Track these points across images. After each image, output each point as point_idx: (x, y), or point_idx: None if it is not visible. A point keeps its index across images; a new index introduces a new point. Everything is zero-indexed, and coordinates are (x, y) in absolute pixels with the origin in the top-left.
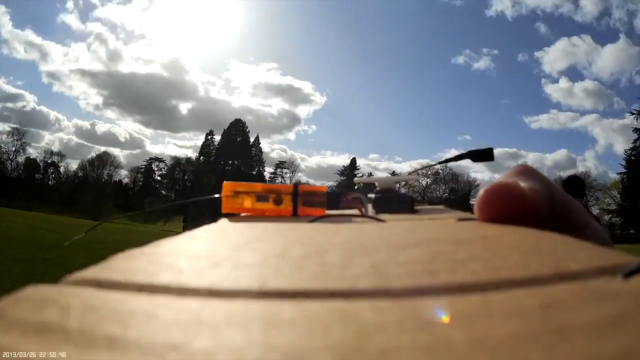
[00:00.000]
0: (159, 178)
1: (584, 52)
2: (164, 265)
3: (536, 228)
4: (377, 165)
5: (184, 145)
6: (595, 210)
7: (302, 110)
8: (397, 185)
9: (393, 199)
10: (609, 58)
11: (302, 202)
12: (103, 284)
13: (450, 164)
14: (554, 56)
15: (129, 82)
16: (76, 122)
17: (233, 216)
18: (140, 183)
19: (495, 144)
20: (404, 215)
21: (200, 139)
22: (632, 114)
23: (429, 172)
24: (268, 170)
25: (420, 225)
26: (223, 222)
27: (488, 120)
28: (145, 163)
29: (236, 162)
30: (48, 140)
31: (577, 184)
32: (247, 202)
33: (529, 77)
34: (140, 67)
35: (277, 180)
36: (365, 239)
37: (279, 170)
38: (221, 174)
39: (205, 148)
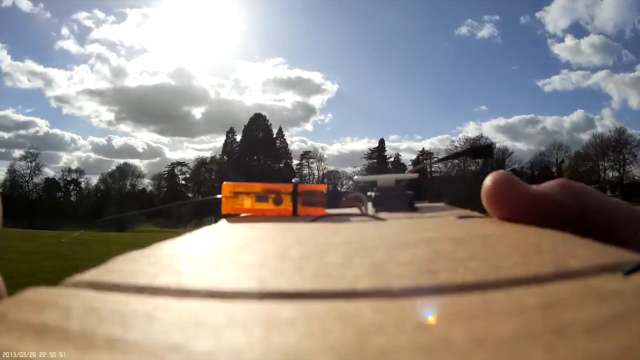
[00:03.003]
0: (183, 182)
1: (584, 5)
2: (164, 267)
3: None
4: (398, 146)
5: (202, 149)
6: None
7: (316, 100)
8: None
9: (393, 198)
10: (609, 9)
11: (302, 202)
12: (103, 286)
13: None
14: (555, 14)
15: (137, 95)
16: (92, 139)
17: (233, 217)
18: (165, 189)
19: (511, 111)
20: (404, 213)
21: (217, 141)
22: None
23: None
24: (294, 162)
25: (420, 223)
26: (223, 223)
27: (501, 88)
28: (167, 168)
29: (261, 157)
30: (66, 160)
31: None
32: (247, 203)
33: (534, 39)
34: (146, 80)
35: (305, 171)
36: (365, 239)
37: (304, 160)
38: (247, 170)
39: (227, 147)
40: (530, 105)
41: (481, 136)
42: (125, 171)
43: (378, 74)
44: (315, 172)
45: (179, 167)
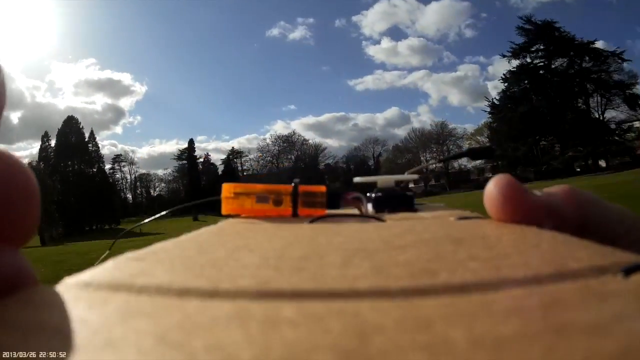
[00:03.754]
0: None
1: (406, 11)
2: (163, 267)
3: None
4: (206, 146)
5: (21, 156)
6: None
7: (125, 102)
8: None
9: (393, 198)
10: (434, 15)
11: (302, 203)
12: (102, 286)
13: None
14: (373, 18)
15: None
16: None
17: (233, 217)
18: None
19: (322, 110)
20: (403, 214)
21: (34, 147)
22: (504, 56)
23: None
24: (106, 167)
25: (420, 224)
26: (223, 223)
27: (311, 88)
28: None
29: (76, 163)
30: None
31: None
32: (247, 203)
33: (348, 41)
34: None
35: (117, 175)
36: (365, 239)
37: (116, 165)
38: (64, 176)
39: (43, 152)
40: (341, 104)
41: (293, 132)
42: None
43: (186, 74)
44: (128, 176)
45: None
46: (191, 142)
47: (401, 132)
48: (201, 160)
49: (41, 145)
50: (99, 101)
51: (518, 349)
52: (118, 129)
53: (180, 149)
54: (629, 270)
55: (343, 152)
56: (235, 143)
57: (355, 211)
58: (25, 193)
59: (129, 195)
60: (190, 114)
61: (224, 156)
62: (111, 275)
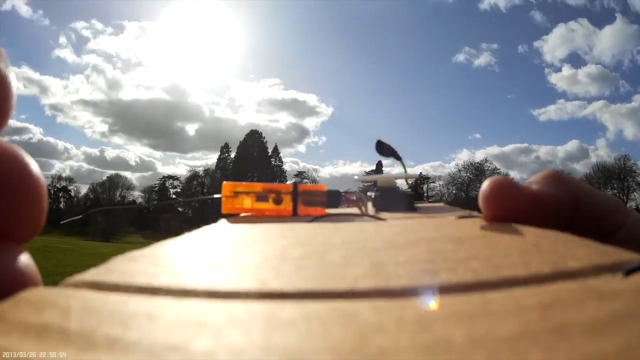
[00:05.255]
0: (174, 196)
1: (583, 36)
2: (163, 267)
3: (538, 227)
4: (390, 171)
5: (194, 165)
6: None
7: (310, 123)
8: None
9: (393, 198)
10: (608, 40)
11: (302, 202)
12: (103, 286)
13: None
14: (553, 44)
15: (132, 108)
16: (85, 149)
17: (233, 217)
18: (155, 202)
19: (505, 140)
20: (404, 213)
21: (209, 158)
22: None
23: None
24: (287, 182)
25: (420, 224)
26: (223, 223)
27: (496, 116)
28: (158, 181)
29: (255, 174)
30: (59, 168)
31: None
32: (247, 202)
33: (531, 68)
34: (141, 93)
35: None
36: (365, 239)
37: (298, 180)
38: None
39: (221, 162)
40: (524, 134)
41: (485, 160)
42: (115, 182)
43: (373, 99)
44: None
45: (170, 181)
46: (379, 164)
47: (579, 167)
48: None
49: (220, 155)
50: (283, 120)
51: (518, 349)
52: (301, 148)
53: (367, 171)
54: (628, 270)
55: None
56: (420, 169)
57: (356, 211)
58: (30, 188)
59: None
60: (376, 137)
61: (410, 181)
62: (112, 275)
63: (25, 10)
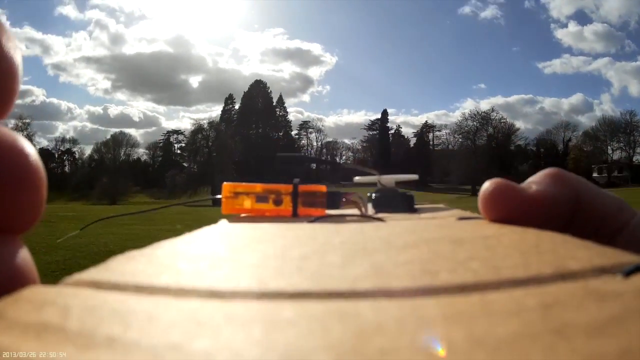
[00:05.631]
0: (179, 151)
1: None
2: (163, 267)
3: (542, 229)
4: (395, 119)
5: (199, 118)
6: None
7: (314, 72)
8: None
9: (393, 199)
10: (616, 1)
11: (302, 203)
12: (103, 285)
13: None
14: (561, 1)
15: (135, 62)
16: (88, 108)
17: (233, 217)
18: (160, 158)
19: (510, 91)
20: (403, 214)
21: (214, 110)
22: None
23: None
24: (292, 133)
25: (420, 224)
26: (223, 223)
27: (501, 68)
28: (163, 137)
29: (260, 125)
30: (62, 129)
31: None
32: (247, 203)
33: (537, 23)
34: (144, 47)
35: (303, 142)
36: (365, 239)
37: (302, 131)
38: (246, 139)
39: (225, 114)
40: (529, 85)
41: (492, 109)
42: (119, 140)
43: (378, 48)
44: (314, 143)
45: (175, 136)
46: (385, 113)
47: (584, 120)
48: (392, 132)
49: (224, 107)
50: (287, 69)
51: (518, 349)
52: (305, 97)
53: (371, 120)
54: (628, 271)
55: (529, 134)
56: (424, 118)
57: (355, 211)
58: (29, 179)
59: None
60: (380, 86)
61: (412, 130)
62: (112, 274)
63: None
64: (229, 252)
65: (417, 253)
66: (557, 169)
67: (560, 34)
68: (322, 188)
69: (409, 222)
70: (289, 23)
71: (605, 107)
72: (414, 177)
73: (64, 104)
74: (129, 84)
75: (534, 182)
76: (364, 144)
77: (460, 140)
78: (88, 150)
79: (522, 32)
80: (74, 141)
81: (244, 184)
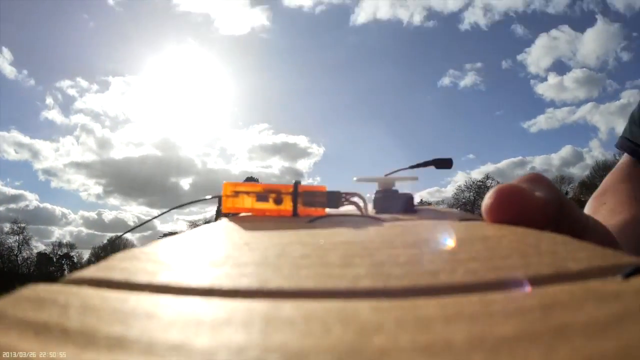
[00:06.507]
0: None
1: (566, 42)
2: (163, 265)
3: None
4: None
5: (194, 220)
6: None
7: (303, 164)
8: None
9: (393, 199)
10: (591, 43)
11: (302, 202)
12: (103, 284)
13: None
14: (537, 54)
15: (124, 167)
16: (82, 213)
17: (233, 216)
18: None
19: (499, 156)
20: (404, 215)
21: (208, 211)
22: None
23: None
24: None
25: (420, 225)
26: (223, 221)
27: (487, 134)
28: (159, 239)
29: None
30: (58, 234)
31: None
32: (247, 202)
33: (517, 82)
34: (132, 151)
35: None
36: (365, 239)
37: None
38: None
39: (219, 214)
40: (517, 147)
41: (487, 177)
42: (116, 244)
43: (363, 131)
44: None
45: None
46: None
47: (576, 171)
48: None
49: (218, 207)
50: (276, 164)
51: (518, 350)
52: None
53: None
54: (628, 272)
55: None
56: (418, 196)
57: (356, 211)
58: None
59: None
60: (368, 169)
61: None
62: (112, 272)
63: (9, 71)
64: (229, 250)
65: (417, 253)
66: (538, 173)
67: (541, 88)
68: (323, 188)
69: (409, 223)
70: (272, 117)
71: (595, 153)
72: (415, 177)
73: (57, 209)
74: (121, 188)
75: (519, 183)
76: None
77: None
78: (85, 254)
79: (503, 94)
80: (71, 246)
81: (244, 183)
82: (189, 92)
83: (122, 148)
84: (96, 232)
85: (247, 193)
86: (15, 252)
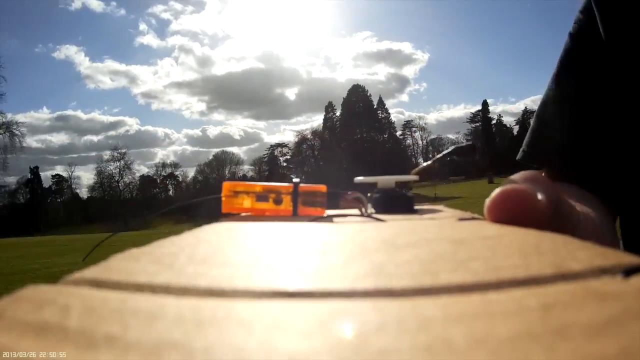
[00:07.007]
0: (284, 164)
1: None
2: (163, 265)
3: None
4: (494, 109)
5: (301, 129)
6: None
7: (409, 71)
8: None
9: (393, 199)
10: None
11: (302, 202)
12: (103, 284)
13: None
14: None
15: (227, 82)
16: (186, 132)
17: (233, 216)
18: (266, 173)
19: None
20: (404, 215)
21: (314, 120)
22: None
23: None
24: (397, 133)
25: (420, 225)
26: (223, 222)
27: None
28: (267, 152)
29: (364, 129)
30: (162, 155)
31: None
32: (247, 202)
33: None
34: (234, 66)
35: (408, 141)
36: (365, 239)
37: (407, 130)
38: (351, 144)
39: (328, 122)
40: None
41: None
42: (222, 159)
43: (467, 37)
44: (419, 141)
45: (279, 149)
46: (485, 104)
47: None
48: (494, 122)
49: (325, 115)
50: (381, 71)
51: (518, 349)
52: (404, 97)
53: (472, 112)
54: (628, 272)
55: None
56: (522, 104)
57: (356, 211)
58: None
59: (420, 160)
60: (474, 77)
61: (512, 118)
62: (112, 273)
63: (97, 5)
64: (229, 251)
65: (417, 253)
66: (533, 171)
67: None
68: (322, 188)
69: (409, 222)
70: (375, 25)
71: None
72: (414, 177)
73: (160, 130)
74: (225, 103)
75: (517, 181)
76: (468, 137)
77: None
78: (191, 173)
79: None
80: (175, 165)
81: (244, 183)
82: (289, 2)
83: (224, 64)
84: (201, 149)
85: (247, 193)
86: (117, 178)
